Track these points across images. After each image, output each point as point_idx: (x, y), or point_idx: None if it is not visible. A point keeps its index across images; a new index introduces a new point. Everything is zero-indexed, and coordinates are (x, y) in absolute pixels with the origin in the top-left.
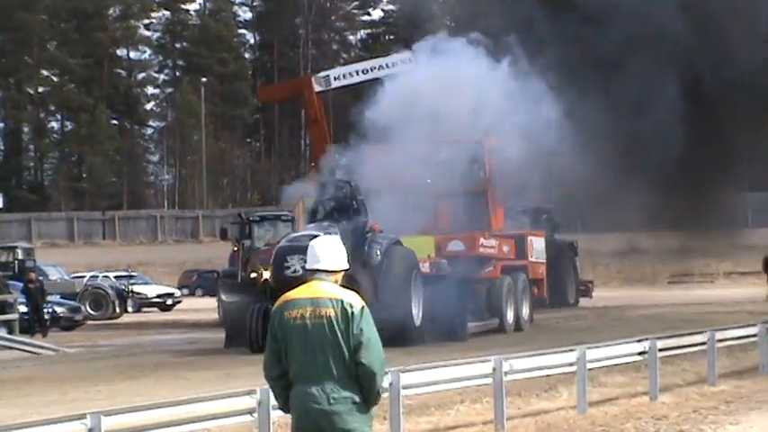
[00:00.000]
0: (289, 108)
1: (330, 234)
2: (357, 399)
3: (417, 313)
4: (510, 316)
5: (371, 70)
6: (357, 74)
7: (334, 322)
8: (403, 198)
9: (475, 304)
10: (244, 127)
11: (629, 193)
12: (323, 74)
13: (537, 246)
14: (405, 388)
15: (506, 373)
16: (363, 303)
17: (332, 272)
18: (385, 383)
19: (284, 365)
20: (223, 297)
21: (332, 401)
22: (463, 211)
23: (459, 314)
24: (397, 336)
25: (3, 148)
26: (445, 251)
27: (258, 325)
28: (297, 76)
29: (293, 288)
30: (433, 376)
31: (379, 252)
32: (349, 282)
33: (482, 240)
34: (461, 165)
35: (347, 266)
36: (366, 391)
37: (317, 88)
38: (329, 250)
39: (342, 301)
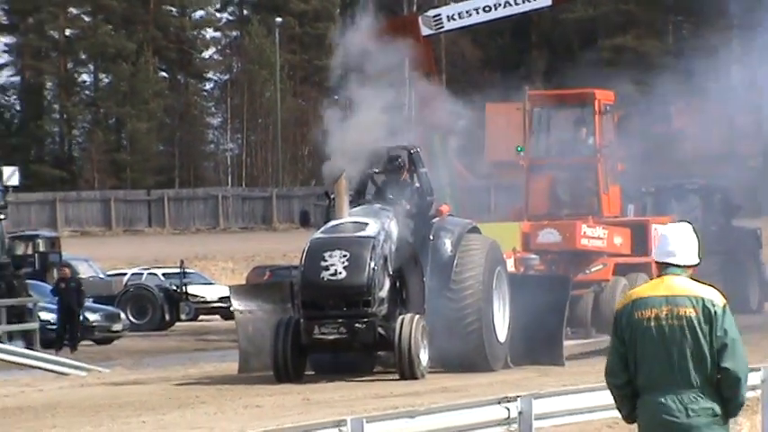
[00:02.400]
0: None
1: (383, 219)
2: (718, 410)
3: (502, 326)
4: None
5: (496, 8)
6: (477, 12)
7: (695, 323)
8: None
9: (576, 316)
10: (330, 80)
11: None
12: (433, 12)
13: None
14: (539, 418)
15: None
16: (725, 301)
17: (687, 267)
18: (514, 412)
19: (631, 371)
20: (235, 305)
21: (691, 414)
22: (564, 189)
23: (553, 330)
24: (474, 356)
25: (19, 109)
26: (535, 243)
27: (287, 345)
28: (398, 14)
29: (330, 295)
30: (575, 403)
31: (449, 243)
32: (395, 285)
33: (584, 229)
34: (563, 128)
35: (699, 260)
36: (728, 400)
37: (426, 31)
38: (685, 242)
39: (703, 300)
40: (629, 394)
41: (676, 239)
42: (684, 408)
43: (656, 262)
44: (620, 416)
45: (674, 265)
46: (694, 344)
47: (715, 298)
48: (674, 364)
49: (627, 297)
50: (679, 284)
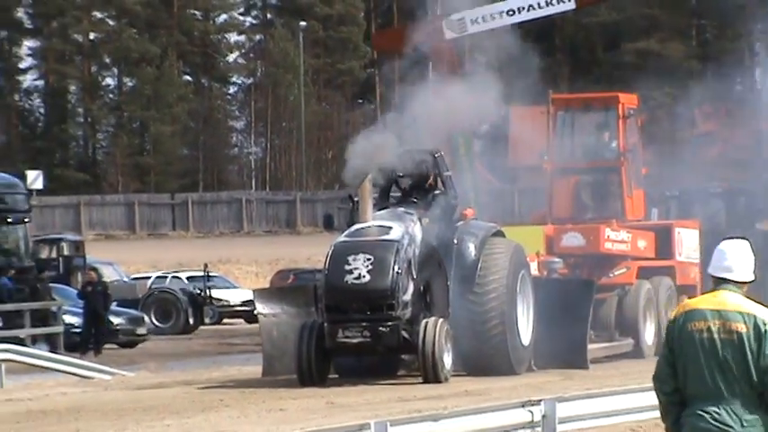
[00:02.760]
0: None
1: (407, 222)
2: (765, 422)
3: (526, 329)
4: (649, 335)
5: (519, 11)
6: (501, 16)
7: (746, 339)
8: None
9: (600, 320)
10: (354, 84)
11: None
12: (456, 16)
13: (687, 240)
14: (563, 422)
15: None
16: None
17: (742, 283)
18: (537, 415)
19: (680, 380)
20: (259, 308)
21: (745, 424)
22: (587, 193)
23: (577, 333)
24: (497, 359)
25: (43, 112)
26: (558, 246)
27: (311, 349)
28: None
29: (354, 299)
30: (599, 406)
31: (473, 246)
32: (419, 288)
33: (608, 232)
34: (587, 132)
35: (755, 277)
36: None
37: (449, 34)
38: (742, 259)
39: (755, 317)
40: (675, 402)
41: (733, 256)
42: (739, 418)
43: (712, 276)
44: (642, 418)
45: (729, 281)
46: (742, 359)
47: (767, 317)
48: (725, 376)
49: (680, 308)
50: (732, 300)
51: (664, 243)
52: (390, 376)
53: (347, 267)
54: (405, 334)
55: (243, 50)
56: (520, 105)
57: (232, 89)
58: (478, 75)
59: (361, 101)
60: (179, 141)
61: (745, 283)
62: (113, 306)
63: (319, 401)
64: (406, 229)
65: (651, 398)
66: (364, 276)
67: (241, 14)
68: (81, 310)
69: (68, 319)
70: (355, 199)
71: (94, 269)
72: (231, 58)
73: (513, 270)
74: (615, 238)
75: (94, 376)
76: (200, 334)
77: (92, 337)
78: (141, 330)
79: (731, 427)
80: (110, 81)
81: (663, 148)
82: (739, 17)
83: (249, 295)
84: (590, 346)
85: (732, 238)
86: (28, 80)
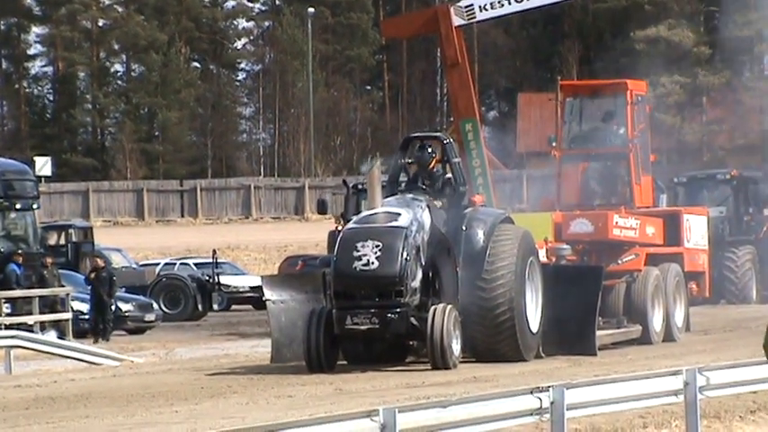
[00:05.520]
0: (421, 47)
1: (415, 209)
2: None
3: (534, 316)
4: (657, 322)
5: None
6: (509, 2)
7: None
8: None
9: (608, 306)
10: (363, 71)
11: None
12: (465, 3)
13: (696, 227)
14: (571, 408)
15: (702, 390)
16: None
17: None
18: (546, 402)
19: None
20: (267, 295)
21: None
22: (596, 180)
23: (585, 319)
24: (506, 346)
25: (52, 99)
26: (567, 233)
27: (319, 335)
28: (431, 4)
29: (363, 286)
30: (607, 393)
31: (482, 233)
32: (427, 275)
33: (616, 219)
34: (595, 119)
35: None
36: None
37: (458, 21)
38: None
39: None
40: None
41: None
42: None
43: None
44: (650, 405)
45: None
46: None
47: None
48: None
49: None
50: None
51: (672, 230)
52: (399, 363)
53: (356, 254)
54: (413, 320)
55: (251, 37)
56: (528, 92)
57: (240, 76)
58: None
59: (369, 87)
60: (187, 128)
61: None
62: (122, 293)
63: (328, 388)
64: (414, 216)
65: (659, 384)
66: (373, 263)
67: (249, 1)
68: (89, 297)
69: (77, 305)
70: (350, 185)
71: (100, 256)
72: (239, 44)
73: (521, 256)
74: (623, 225)
75: (103, 362)
76: (209, 320)
77: (100, 324)
78: (150, 317)
79: None
80: (118, 67)
81: (671, 134)
82: (748, 4)
83: (257, 281)
84: (598, 333)
85: None
86: (36, 67)
